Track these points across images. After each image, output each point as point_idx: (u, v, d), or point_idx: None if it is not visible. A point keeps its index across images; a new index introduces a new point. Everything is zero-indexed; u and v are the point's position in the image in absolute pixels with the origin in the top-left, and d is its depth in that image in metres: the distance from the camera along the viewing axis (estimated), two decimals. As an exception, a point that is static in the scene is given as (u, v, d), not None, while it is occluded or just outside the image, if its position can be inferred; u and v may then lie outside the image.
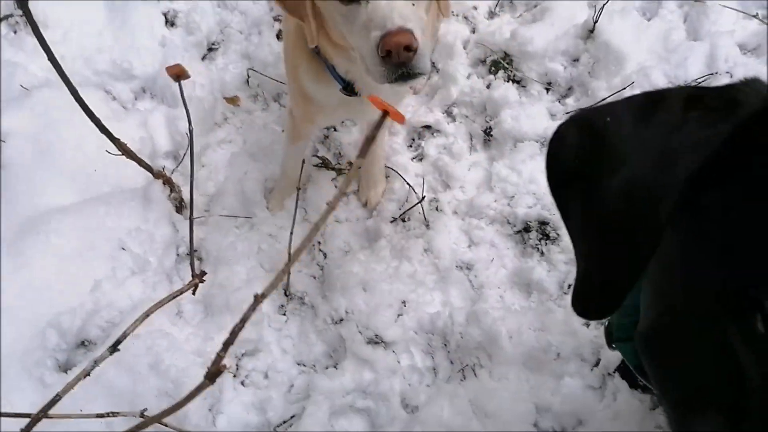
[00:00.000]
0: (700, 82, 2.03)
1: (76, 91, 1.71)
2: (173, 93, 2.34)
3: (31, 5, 2.37)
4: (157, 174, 2.05)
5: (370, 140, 1.37)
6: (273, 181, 2.19)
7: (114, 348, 1.05)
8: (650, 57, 2.11)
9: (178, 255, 2.09)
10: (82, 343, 1.88)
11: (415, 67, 1.31)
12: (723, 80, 2.01)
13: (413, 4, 1.34)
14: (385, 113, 1.31)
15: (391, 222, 2.05)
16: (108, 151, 1.87)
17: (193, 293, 1.05)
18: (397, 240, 2.00)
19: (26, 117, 2.16)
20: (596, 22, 2.15)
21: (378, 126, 1.34)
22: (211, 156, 2.27)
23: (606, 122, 0.67)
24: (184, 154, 2.20)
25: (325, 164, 2.20)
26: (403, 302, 1.91)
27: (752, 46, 2.13)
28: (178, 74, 1.00)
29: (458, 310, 1.88)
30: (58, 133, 2.14)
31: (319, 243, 2.07)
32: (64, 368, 1.85)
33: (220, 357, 0.73)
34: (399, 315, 1.90)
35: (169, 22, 2.54)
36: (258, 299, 1.00)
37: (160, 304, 0.97)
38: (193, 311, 1.99)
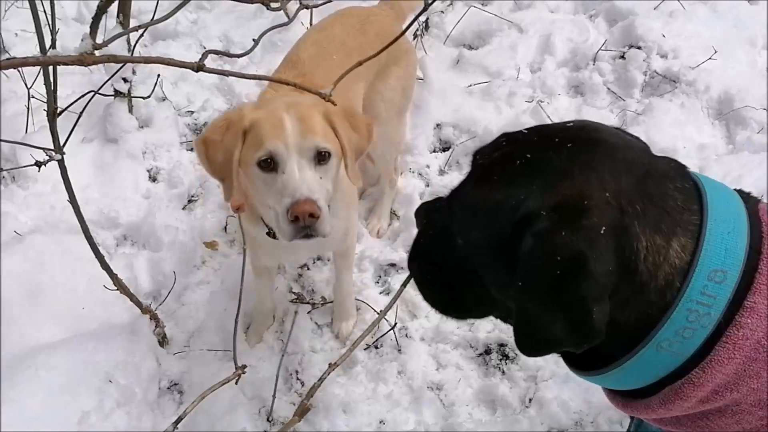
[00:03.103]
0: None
1: (88, 230, 1.91)
2: (157, 239, 2.55)
3: (21, 158, 2.61)
4: (145, 310, 2.19)
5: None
6: (251, 317, 2.36)
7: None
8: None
9: (159, 389, 2.18)
10: (66, 476, 1.89)
11: (317, 231, 1.59)
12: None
13: (320, 177, 1.63)
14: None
15: (365, 349, 2.23)
16: (105, 286, 2.02)
17: (236, 383, 1.20)
18: (372, 365, 2.17)
19: (18, 260, 2.29)
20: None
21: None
22: (190, 296, 2.44)
23: None
24: (168, 293, 2.37)
25: (299, 299, 2.40)
26: (381, 422, 2.04)
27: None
28: (238, 207, 1.26)
29: (432, 426, 2.02)
30: (48, 275, 2.27)
31: (297, 372, 2.21)
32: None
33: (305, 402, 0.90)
34: (377, 435, 2.03)
35: (152, 178, 2.81)
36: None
37: (211, 389, 1.12)
38: (174, 443, 2.05)
